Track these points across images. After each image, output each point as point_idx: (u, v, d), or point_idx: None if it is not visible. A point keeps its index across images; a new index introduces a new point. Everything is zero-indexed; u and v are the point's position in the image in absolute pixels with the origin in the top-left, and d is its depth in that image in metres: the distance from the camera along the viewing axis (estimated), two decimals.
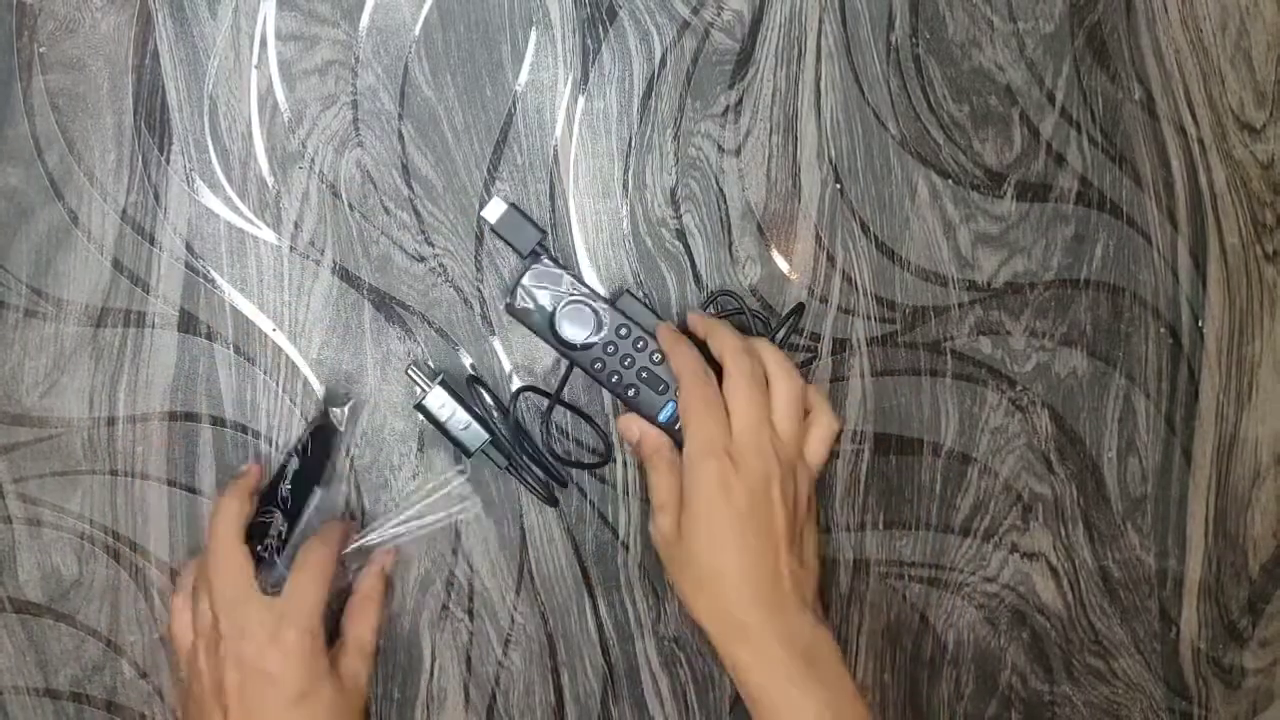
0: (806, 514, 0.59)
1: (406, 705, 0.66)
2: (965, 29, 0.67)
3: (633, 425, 0.62)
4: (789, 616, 0.56)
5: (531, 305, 0.62)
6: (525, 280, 0.62)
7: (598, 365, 0.62)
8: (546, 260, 0.62)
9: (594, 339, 0.62)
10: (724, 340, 0.60)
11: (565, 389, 0.64)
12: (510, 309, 0.63)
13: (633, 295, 0.64)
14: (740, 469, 0.56)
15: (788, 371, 0.59)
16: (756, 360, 0.59)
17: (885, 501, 0.68)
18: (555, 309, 0.62)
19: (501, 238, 0.63)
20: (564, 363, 0.65)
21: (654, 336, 0.62)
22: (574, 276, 0.62)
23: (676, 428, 0.61)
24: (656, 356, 0.62)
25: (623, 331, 0.62)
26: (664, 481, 0.60)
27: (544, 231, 0.64)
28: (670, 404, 0.62)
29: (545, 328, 0.62)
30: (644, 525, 0.67)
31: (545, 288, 0.62)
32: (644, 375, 0.62)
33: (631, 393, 0.62)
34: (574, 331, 0.62)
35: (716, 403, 0.58)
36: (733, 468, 0.56)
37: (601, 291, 0.65)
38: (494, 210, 0.63)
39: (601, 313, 0.62)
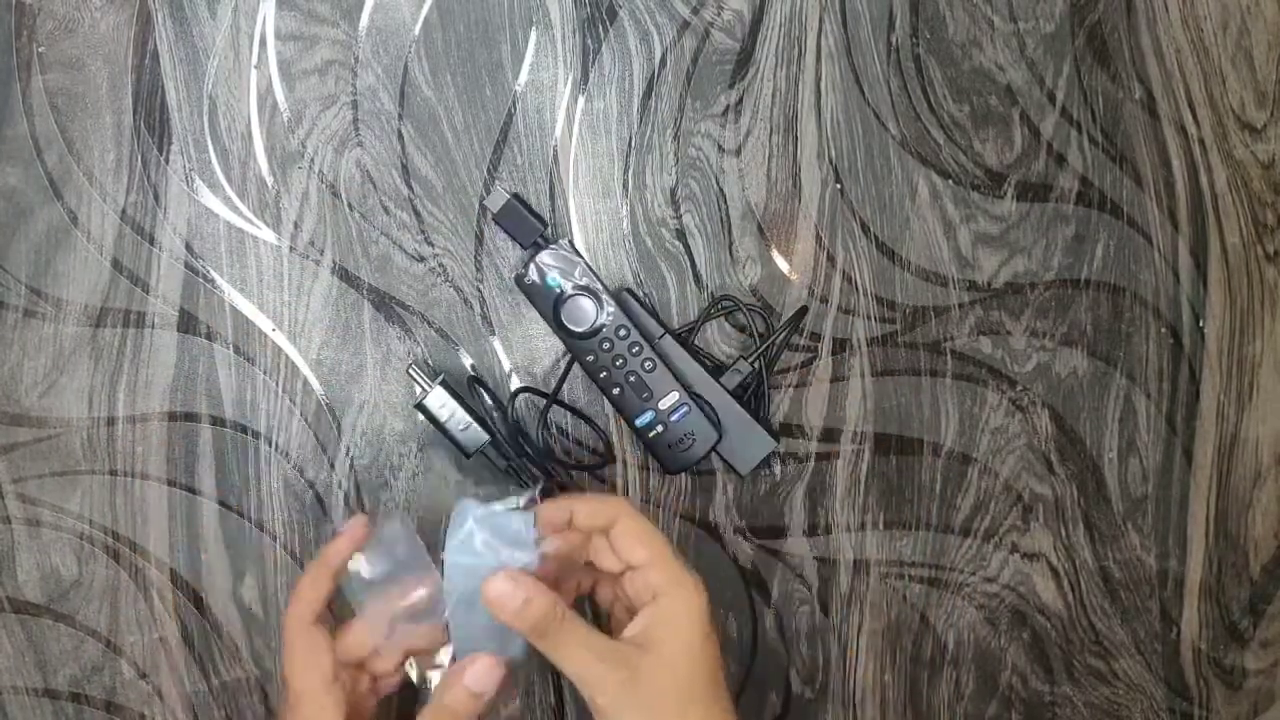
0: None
1: (406, 705, 0.66)
2: (966, 29, 0.66)
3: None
4: None
5: (540, 282, 0.62)
6: (541, 257, 0.62)
7: (590, 358, 0.63)
8: (567, 245, 0.62)
9: (593, 332, 0.62)
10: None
11: (565, 389, 0.65)
12: (519, 280, 0.63)
13: (632, 295, 0.64)
14: None
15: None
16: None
17: (885, 501, 0.68)
18: (562, 292, 0.62)
19: (503, 228, 0.63)
20: (563, 363, 0.65)
21: (651, 344, 0.62)
22: (589, 267, 0.62)
23: (651, 435, 0.63)
24: (649, 364, 0.62)
25: (622, 333, 0.62)
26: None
27: (545, 223, 0.63)
28: (649, 412, 0.62)
29: (549, 308, 0.62)
30: None
31: (558, 269, 0.62)
32: (632, 379, 0.62)
33: (616, 391, 0.63)
34: (575, 319, 0.62)
35: None
36: None
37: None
38: (496, 200, 0.63)
39: (606, 308, 0.62)
